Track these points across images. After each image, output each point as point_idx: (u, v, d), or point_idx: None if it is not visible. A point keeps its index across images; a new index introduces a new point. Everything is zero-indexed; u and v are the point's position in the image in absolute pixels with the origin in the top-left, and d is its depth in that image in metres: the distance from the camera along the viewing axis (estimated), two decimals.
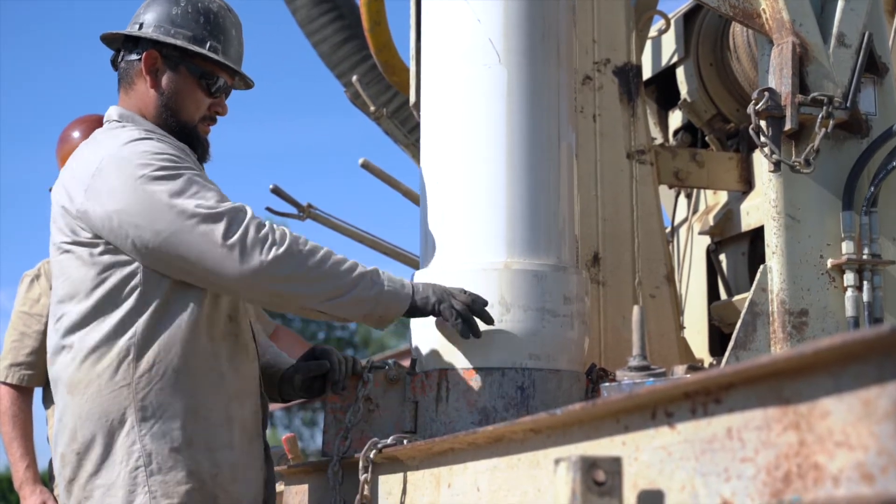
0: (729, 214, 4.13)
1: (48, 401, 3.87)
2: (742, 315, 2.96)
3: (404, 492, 2.50)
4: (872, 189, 3.00)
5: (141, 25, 2.81)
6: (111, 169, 2.60)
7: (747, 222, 4.01)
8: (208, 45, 2.80)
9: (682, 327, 3.93)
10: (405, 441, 2.55)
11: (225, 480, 2.60)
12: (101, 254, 2.60)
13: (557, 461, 1.49)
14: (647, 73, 4.33)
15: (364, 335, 30.99)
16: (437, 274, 2.84)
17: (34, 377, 3.86)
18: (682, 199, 4.57)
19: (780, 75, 2.96)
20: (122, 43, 2.85)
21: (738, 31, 3.95)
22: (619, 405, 1.67)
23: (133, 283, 2.59)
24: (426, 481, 2.41)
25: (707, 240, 4.25)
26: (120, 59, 2.84)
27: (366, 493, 2.57)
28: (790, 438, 1.34)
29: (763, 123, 2.94)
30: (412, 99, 3.83)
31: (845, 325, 2.96)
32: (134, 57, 2.81)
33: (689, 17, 4.22)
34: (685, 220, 4.50)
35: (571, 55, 3.06)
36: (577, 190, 3.06)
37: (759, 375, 1.39)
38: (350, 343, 30.96)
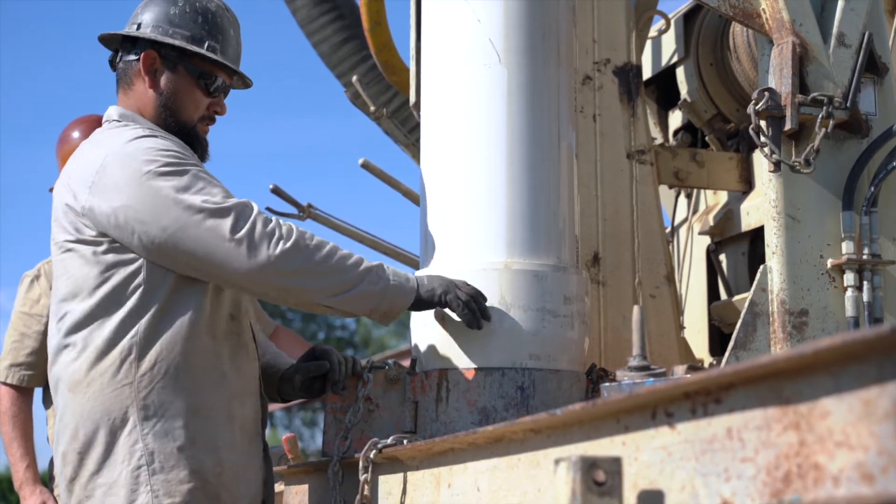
0: (729, 214, 4.13)
1: (48, 401, 3.87)
2: (742, 315, 2.96)
3: (404, 492, 2.50)
4: (872, 189, 3.00)
5: (139, 25, 2.81)
6: (116, 165, 2.60)
7: (747, 222, 4.01)
8: (206, 44, 2.80)
9: (682, 327, 3.93)
10: (405, 441, 2.55)
11: (228, 479, 2.60)
12: (105, 252, 2.60)
13: (557, 461, 1.49)
14: (647, 73, 4.33)
15: (364, 335, 30.98)
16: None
17: (34, 377, 3.86)
18: (682, 199, 4.56)
19: (780, 75, 2.96)
20: (120, 43, 2.84)
21: (738, 31, 3.95)
22: (619, 405, 1.67)
23: (136, 282, 2.58)
24: (426, 481, 2.41)
25: (707, 240, 4.25)
26: (118, 59, 2.84)
27: (366, 493, 2.57)
28: (790, 438, 1.34)
29: (763, 123, 2.94)
30: (412, 99, 3.83)
31: (845, 325, 2.96)
32: (132, 57, 2.80)
33: (689, 17, 4.22)
34: (685, 220, 4.50)
35: (571, 55, 3.06)
36: (578, 190, 3.06)
37: (759, 375, 1.39)
38: (350, 343, 30.94)
